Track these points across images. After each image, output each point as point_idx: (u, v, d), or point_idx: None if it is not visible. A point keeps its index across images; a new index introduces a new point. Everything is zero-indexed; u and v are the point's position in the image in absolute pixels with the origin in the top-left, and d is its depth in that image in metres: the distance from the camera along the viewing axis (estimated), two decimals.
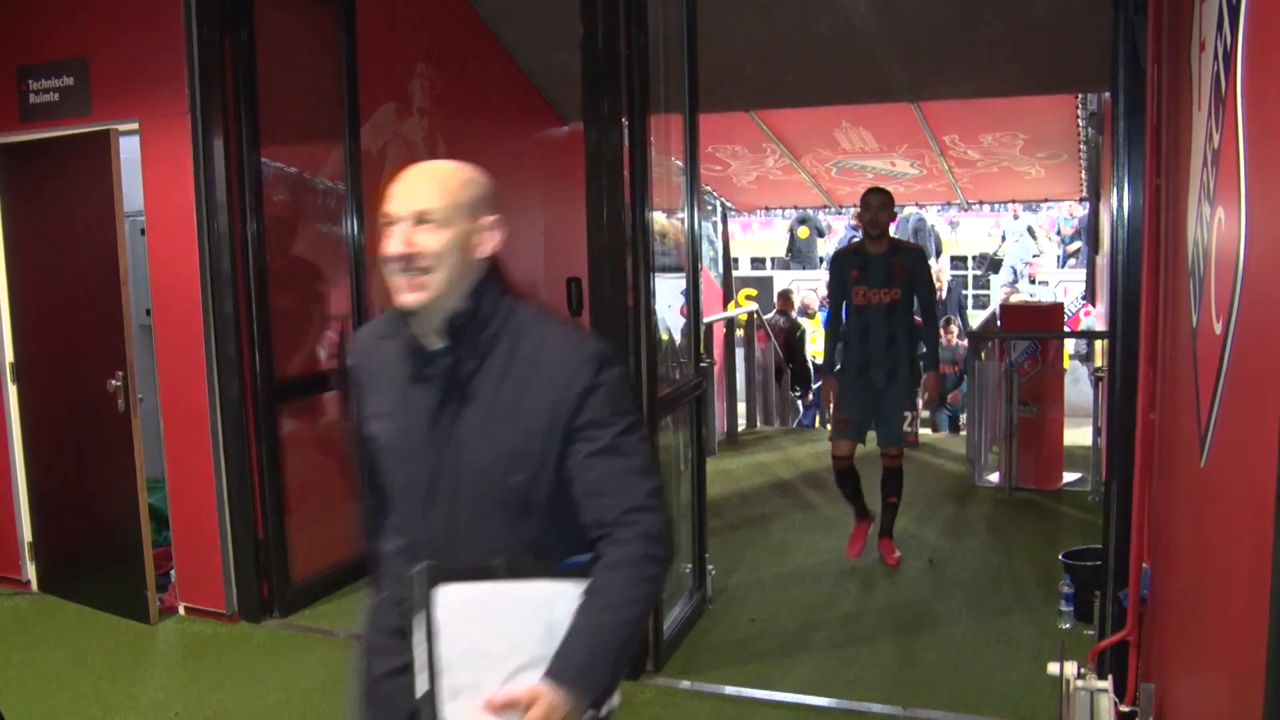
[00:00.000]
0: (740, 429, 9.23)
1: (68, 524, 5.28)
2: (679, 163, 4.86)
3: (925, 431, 9.73)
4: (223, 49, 4.68)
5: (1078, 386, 10.43)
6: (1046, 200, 11.67)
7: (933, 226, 14.53)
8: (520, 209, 7.40)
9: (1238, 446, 1.72)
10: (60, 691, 4.25)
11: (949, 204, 11.62)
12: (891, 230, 5.46)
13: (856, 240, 5.88)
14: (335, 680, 4.30)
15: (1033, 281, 14.58)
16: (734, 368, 9.22)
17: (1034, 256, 15.26)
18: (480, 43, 6.93)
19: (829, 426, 6.39)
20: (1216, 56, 1.97)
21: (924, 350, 5.54)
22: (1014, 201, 12.14)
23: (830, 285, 5.74)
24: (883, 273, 5.28)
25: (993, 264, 15.13)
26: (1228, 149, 1.80)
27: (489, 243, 1.89)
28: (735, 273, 13.65)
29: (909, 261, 5.32)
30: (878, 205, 5.28)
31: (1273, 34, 1.49)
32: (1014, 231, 15.02)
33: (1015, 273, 14.79)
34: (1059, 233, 15.21)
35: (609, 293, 4.08)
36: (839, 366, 5.58)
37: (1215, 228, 1.94)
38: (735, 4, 6.15)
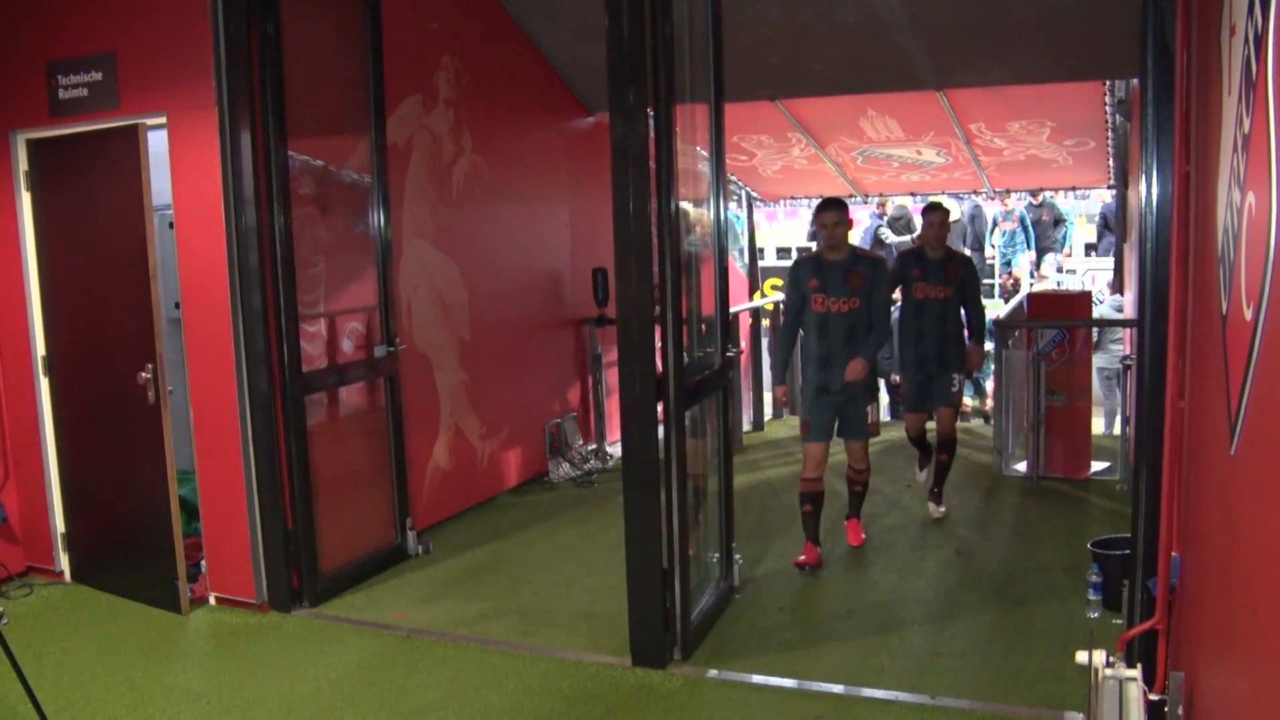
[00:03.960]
0: (767, 418, 9.22)
1: (100, 515, 5.35)
2: (704, 152, 4.86)
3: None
4: (249, 43, 4.71)
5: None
6: (1075, 188, 11.51)
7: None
8: (546, 199, 7.41)
9: (1269, 434, 1.71)
10: (94, 680, 4.32)
11: (976, 192, 11.49)
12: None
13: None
14: (364, 669, 4.35)
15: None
16: (760, 357, 9.21)
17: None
18: (505, 34, 6.93)
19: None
20: (1247, 40, 1.94)
21: None
22: (1041, 190, 12.00)
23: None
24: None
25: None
26: (1258, 134, 1.78)
27: None
28: (760, 263, 13.58)
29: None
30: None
31: None
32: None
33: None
34: (1023, 220, 14.34)
35: (635, 282, 4.09)
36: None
37: (1245, 214, 1.93)
38: None
